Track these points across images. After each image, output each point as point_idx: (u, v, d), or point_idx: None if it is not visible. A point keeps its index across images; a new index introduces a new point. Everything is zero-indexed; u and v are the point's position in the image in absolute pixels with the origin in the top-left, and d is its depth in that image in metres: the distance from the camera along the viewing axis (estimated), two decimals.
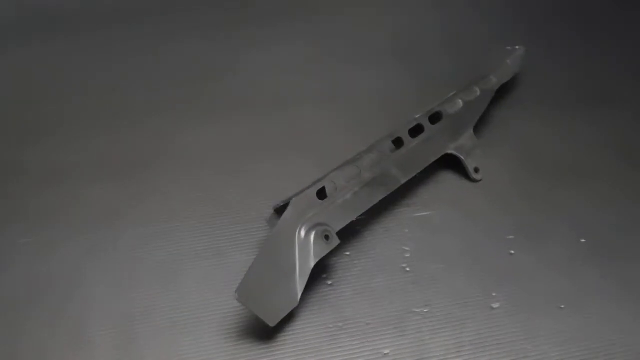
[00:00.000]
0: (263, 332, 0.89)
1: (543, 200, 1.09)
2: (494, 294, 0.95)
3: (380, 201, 1.03)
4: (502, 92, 1.28)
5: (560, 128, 1.22)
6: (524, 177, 1.13)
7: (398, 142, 1.07)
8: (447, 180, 1.12)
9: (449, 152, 1.11)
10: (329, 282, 0.96)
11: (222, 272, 0.96)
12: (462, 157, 1.11)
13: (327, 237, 0.93)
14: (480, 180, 1.12)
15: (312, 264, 0.91)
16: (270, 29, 1.48)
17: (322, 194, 0.97)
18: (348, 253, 1.00)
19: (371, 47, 1.45)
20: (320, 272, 0.96)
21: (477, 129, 1.18)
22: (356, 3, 1.58)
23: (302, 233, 0.92)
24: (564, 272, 0.98)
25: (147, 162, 1.15)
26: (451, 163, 1.13)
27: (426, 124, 1.10)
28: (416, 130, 1.09)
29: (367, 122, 1.20)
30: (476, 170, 1.12)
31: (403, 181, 1.05)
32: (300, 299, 0.90)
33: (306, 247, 0.91)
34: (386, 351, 0.88)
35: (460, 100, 1.16)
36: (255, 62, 1.40)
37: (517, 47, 1.34)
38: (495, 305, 0.93)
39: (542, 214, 1.07)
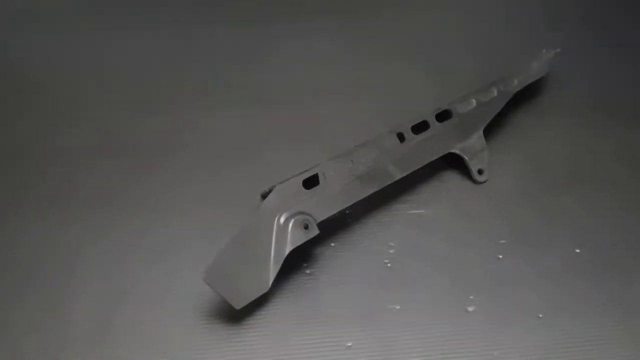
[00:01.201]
0: (233, 314, 0.91)
1: (544, 207, 1.06)
2: (471, 297, 0.93)
3: (377, 195, 1.03)
4: (527, 94, 1.24)
5: (577, 137, 1.17)
6: (529, 183, 1.09)
7: (400, 138, 1.06)
8: (450, 179, 1.10)
9: (453, 151, 1.09)
10: (308, 271, 0.97)
11: (211, 255, 0.95)
12: (467, 158, 1.09)
13: (306, 227, 0.94)
14: (484, 182, 1.09)
15: (287, 251, 0.92)
16: (305, 24, 1.46)
17: (310, 184, 0.97)
18: (333, 244, 1.00)
19: (408, 45, 1.41)
20: (301, 261, 0.97)
21: (490, 130, 1.15)
22: (397, 3, 1.55)
23: (282, 220, 0.93)
24: (550, 282, 0.95)
25: (163, 147, 1.17)
26: (458, 163, 1.11)
27: (432, 121, 1.09)
28: (421, 127, 1.08)
29: (390, 116, 1.15)
30: (480, 172, 1.09)
31: (398, 177, 1.04)
32: (275, 285, 0.92)
33: (283, 234, 0.92)
34: (349, 344, 0.88)
35: (473, 100, 1.13)
36: (285, 53, 1.39)
37: (553, 50, 1.29)
38: (470, 309, 0.92)
39: (540, 221, 1.04)
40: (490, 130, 1.15)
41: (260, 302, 0.92)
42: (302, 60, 1.37)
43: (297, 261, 0.97)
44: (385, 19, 1.48)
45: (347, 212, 1.03)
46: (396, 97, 1.26)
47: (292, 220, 0.93)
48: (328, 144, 1.10)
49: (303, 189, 0.97)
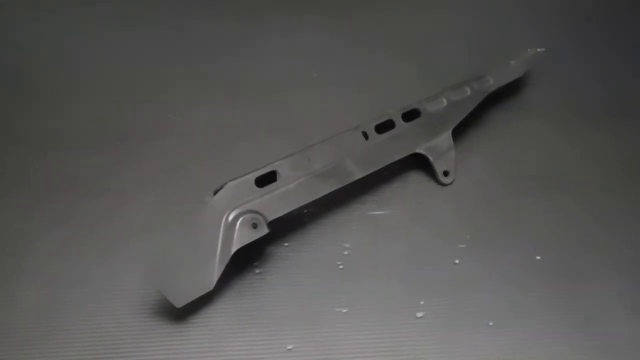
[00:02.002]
0: (175, 312, 0.89)
1: (509, 212, 1.03)
2: (421, 302, 0.91)
3: (336, 195, 1.00)
4: (507, 92, 1.21)
5: (550, 141, 1.14)
6: (496, 186, 1.06)
7: (365, 136, 1.04)
8: (415, 180, 1.07)
9: (418, 151, 1.06)
10: (258, 271, 0.95)
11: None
12: (431, 159, 1.06)
13: (254, 225, 0.91)
14: (450, 184, 1.06)
15: (233, 249, 0.90)
16: (292, 18, 1.43)
17: (265, 181, 0.95)
18: (287, 244, 0.98)
19: (398, 41, 1.38)
20: (251, 260, 0.95)
21: (462, 130, 1.12)
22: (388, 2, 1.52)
23: (230, 218, 0.91)
24: (506, 289, 0.93)
25: (136, 137, 1.15)
26: (425, 163, 1.08)
27: (398, 120, 1.06)
28: (385, 126, 1.05)
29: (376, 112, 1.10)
30: (445, 173, 1.06)
31: (358, 176, 1.01)
32: (222, 283, 0.91)
33: (230, 232, 0.90)
34: (290, 346, 0.86)
35: (444, 99, 1.10)
36: (272, 47, 1.36)
37: (536, 49, 1.25)
38: (419, 314, 0.89)
39: (503, 226, 1.01)
40: (461, 130, 1.12)
41: (204, 301, 0.90)
42: (288, 54, 1.35)
43: (248, 260, 0.95)
44: (374, 15, 1.45)
45: (304, 211, 1.01)
46: (385, 93, 1.23)
47: (241, 219, 0.91)
48: (311, 139, 1.05)
49: (255, 186, 0.94)
